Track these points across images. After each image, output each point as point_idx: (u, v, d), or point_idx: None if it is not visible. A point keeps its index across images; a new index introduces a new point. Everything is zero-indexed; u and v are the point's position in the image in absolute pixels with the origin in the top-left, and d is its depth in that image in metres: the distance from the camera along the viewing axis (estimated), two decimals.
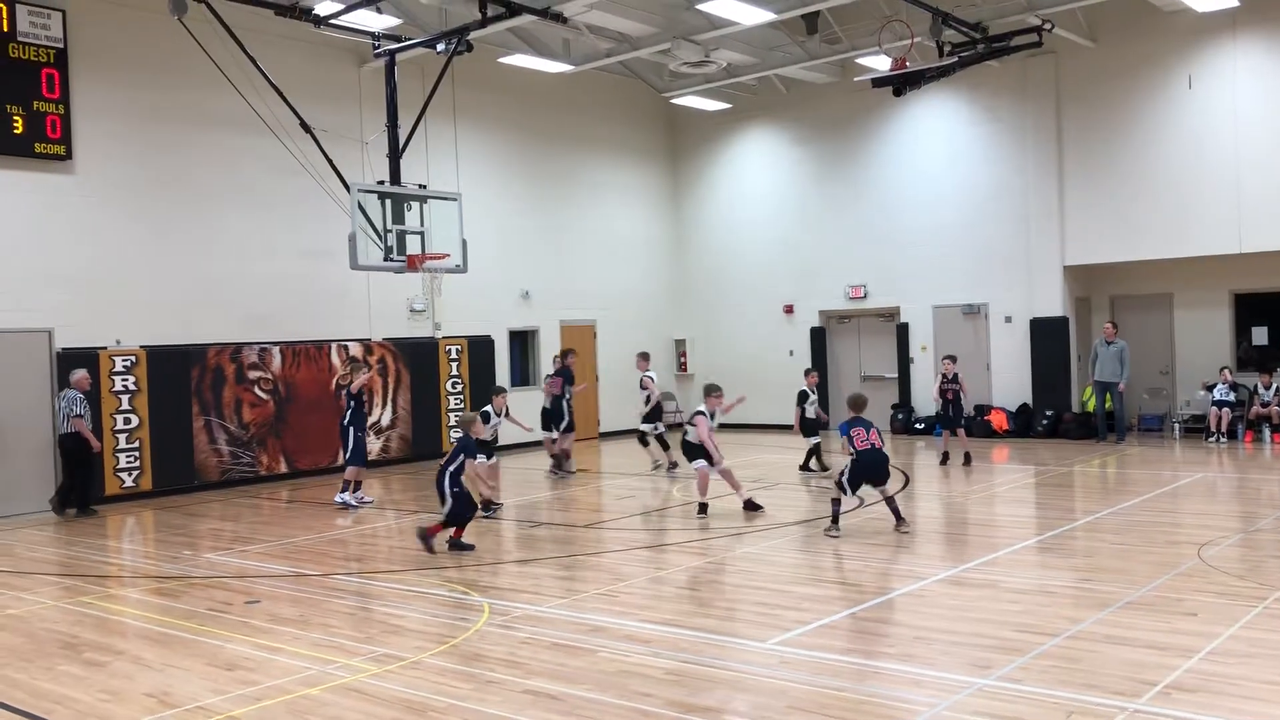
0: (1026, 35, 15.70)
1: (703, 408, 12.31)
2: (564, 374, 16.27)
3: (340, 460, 14.86)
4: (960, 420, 16.20)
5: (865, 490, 10.85)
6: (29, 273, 14.67)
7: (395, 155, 14.89)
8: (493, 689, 6.32)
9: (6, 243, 14.52)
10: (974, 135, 20.44)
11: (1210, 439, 17.71)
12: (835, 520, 10.77)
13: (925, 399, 20.08)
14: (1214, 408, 17.88)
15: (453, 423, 19.23)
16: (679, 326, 24.46)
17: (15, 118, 14.43)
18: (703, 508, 12.08)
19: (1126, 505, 12.07)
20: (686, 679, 6.38)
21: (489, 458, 13.50)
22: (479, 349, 20.06)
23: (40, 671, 7.07)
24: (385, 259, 14.25)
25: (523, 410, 16.14)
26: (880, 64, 17.55)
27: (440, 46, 15.18)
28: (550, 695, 6.14)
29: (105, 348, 15.19)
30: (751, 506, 12.15)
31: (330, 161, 14.63)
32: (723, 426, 12.58)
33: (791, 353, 22.28)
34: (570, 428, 16.27)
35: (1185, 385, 19.26)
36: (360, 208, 14.03)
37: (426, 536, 10.48)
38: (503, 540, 11.55)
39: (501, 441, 17.01)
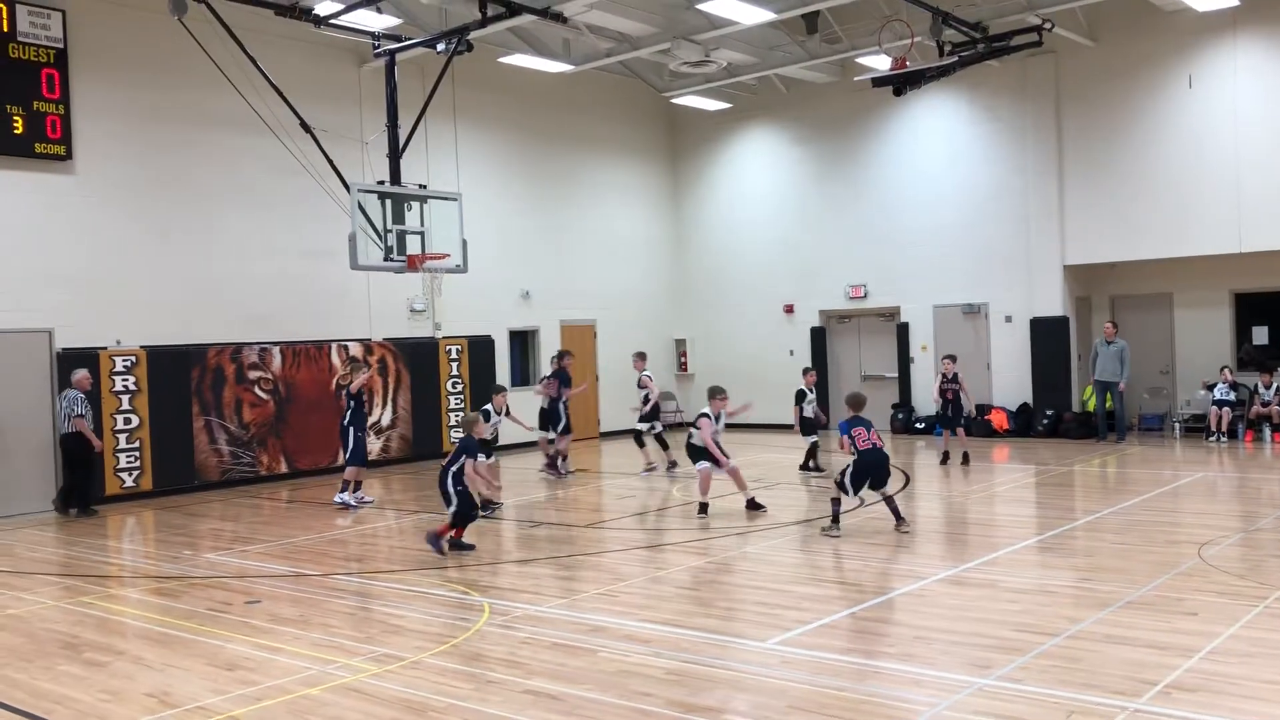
0: (1026, 35, 15.70)
1: (707, 410, 12.28)
2: (560, 376, 16.20)
3: (340, 460, 14.86)
4: (960, 420, 16.19)
5: (865, 491, 10.84)
6: (29, 273, 14.68)
7: (395, 155, 14.88)
8: (493, 689, 6.32)
9: (7, 243, 14.53)
10: (974, 135, 20.44)
11: (1210, 438, 17.71)
12: (835, 520, 10.77)
13: (925, 399, 20.08)
14: (1214, 407, 17.88)
15: (453, 423, 19.23)
16: (679, 326, 24.46)
17: (15, 118, 14.43)
18: (703, 508, 12.08)
19: (1127, 505, 12.06)
20: (687, 679, 6.38)
21: (488, 457, 13.50)
22: (479, 349, 20.06)
23: (40, 671, 7.08)
24: (385, 259, 14.25)
25: (522, 410, 16.17)
26: (880, 63, 17.55)
27: (440, 46, 15.18)
28: (550, 695, 6.14)
29: (105, 348, 15.19)
30: (754, 506, 12.15)
31: (330, 161, 14.62)
32: (724, 426, 12.55)
33: (792, 352, 22.27)
34: (567, 430, 16.18)
35: (1185, 385, 19.26)
36: (360, 208, 14.02)
37: (436, 539, 10.44)
38: (503, 540, 11.55)
39: (501, 441, 17.02)
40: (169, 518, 13.85)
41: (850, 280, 22.03)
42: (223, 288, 16.64)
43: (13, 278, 14.53)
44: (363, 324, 18.45)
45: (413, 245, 14.39)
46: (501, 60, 19.29)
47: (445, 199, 15.34)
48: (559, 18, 15.58)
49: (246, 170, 16.88)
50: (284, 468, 17.03)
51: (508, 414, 14.72)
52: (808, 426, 15.40)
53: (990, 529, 11.40)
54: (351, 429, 13.93)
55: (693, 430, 12.32)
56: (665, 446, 16.26)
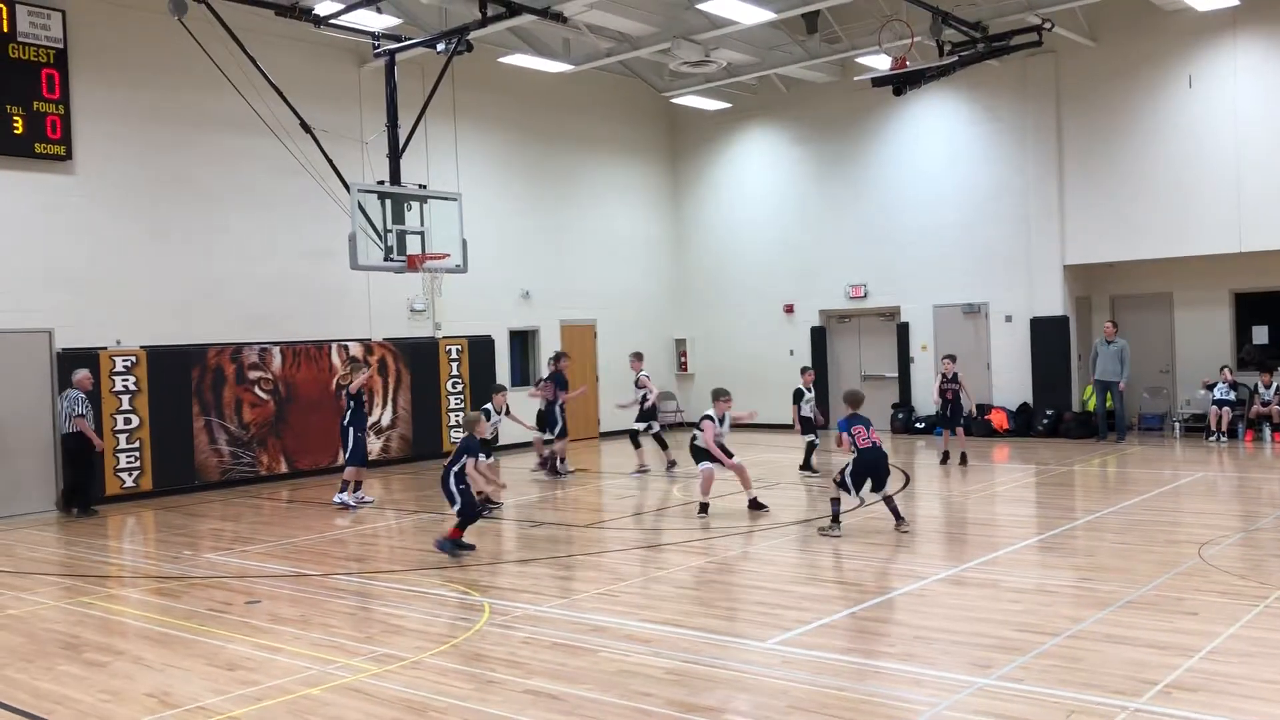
0: (1026, 34, 15.69)
1: (711, 412, 12.28)
2: (556, 379, 16.13)
3: (341, 460, 14.86)
4: (959, 420, 16.19)
5: (865, 491, 10.82)
6: (29, 273, 14.68)
7: (395, 155, 14.88)
8: (493, 689, 6.32)
9: (7, 243, 14.53)
10: (974, 135, 20.44)
11: (1210, 438, 17.71)
12: (836, 519, 10.76)
13: (925, 399, 20.08)
14: (1214, 407, 17.89)
15: (453, 423, 19.24)
16: (679, 326, 24.46)
17: (15, 118, 14.43)
18: (703, 508, 12.08)
19: (1127, 504, 12.06)
20: (687, 679, 6.38)
21: (488, 456, 13.49)
22: (479, 349, 20.06)
23: (41, 672, 7.08)
24: (385, 259, 14.24)
25: (521, 411, 16.19)
26: (880, 63, 17.56)
27: (440, 46, 15.18)
28: (551, 695, 6.14)
29: (105, 348, 15.19)
30: (756, 506, 12.14)
31: (330, 161, 14.62)
32: (729, 428, 12.53)
33: (792, 352, 22.27)
34: (563, 434, 16.07)
35: (1185, 384, 19.26)
36: (360, 208, 14.02)
37: (451, 543, 10.41)
38: (503, 540, 11.55)
39: (501, 441, 17.05)
40: (169, 518, 13.85)
41: (850, 280, 22.03)
42: (223, 288, 16.65)
43: (13, 278, 14.53)
44: (363, 324, 18.45)
45: (413, 245, 14.39)
46: (501, 60, 19.29)
47: (445, 199, 15.34)
48: (559, 18, 15.58)
49: (246, 170, 16.88)
50: (284, 468, 17.03)
51: (508, 413, 14.71)
52: (806, 426, 15.40)
53: (990, 529, 11.39)
54: (351, 429, 13.92)
55: (696, 431, 12.32)
56: (664, 446, 16.26)
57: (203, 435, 16.12)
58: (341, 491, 14.04)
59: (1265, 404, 17.54)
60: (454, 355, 19.61)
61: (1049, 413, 19.41)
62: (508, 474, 16.45)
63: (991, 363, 20.33)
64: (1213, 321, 19.08)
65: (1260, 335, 18.77)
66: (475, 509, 10.60)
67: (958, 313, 20.75)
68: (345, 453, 14.15)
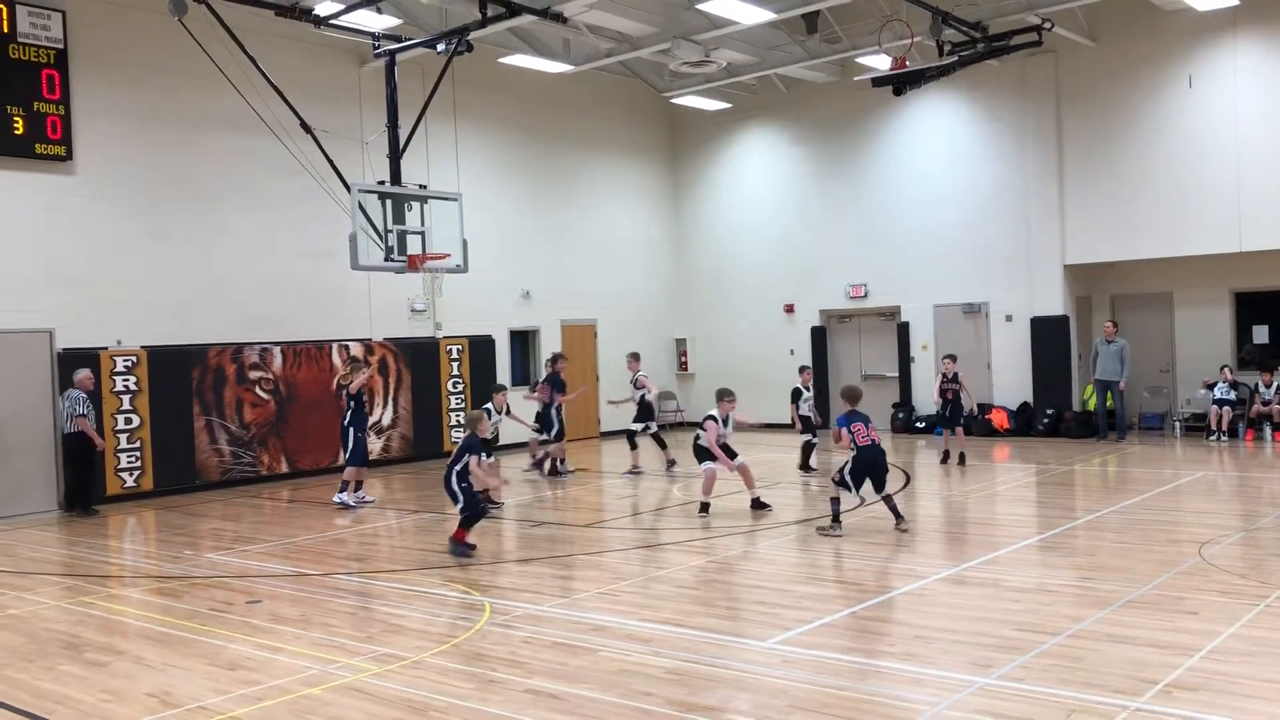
0: (1026, 34, 15.69)
1: (714, 412, 12.27)
2: (553, 381, 16.10)
3: (341, 460, 14.86)
4: (960, 419, 16.18)
5: (865, 490, 10.82)
6: (30, 273, 14.69)
7: (395, 155, 14.89)
8: (494, 688, 6.32)
9: (7, 243, 14.53)
10: (974, 135, 20.44)
11: (1211, 437, 17.72)
12: (836, 519, 10.75)
13: (926, 398, 20.09)
14: (1215, 406, 17.89)
15: (453, 422, 19.24)
16: (679, 326, 24.46)
17: (16, 118, 14.43)
18: (704, 507, 12.08)
19: (1127, 504, 12.07)
20: (688, 678, 6.39)
21: (488, 456, 13.49)
22: (480, 349, 20.07)
23: (42, 671, 7.08)
24: (386, 259, 14.25)
25: (521, 410, 16.19)
26: (880, 63, 17.56)
27: (440, 46, 15.18)
28: (551, 695, 6.14)
29: (106, 348, 15.20)
30: (759, 505, 12.14)
31: (330, 161, 14.62)
32: (733, 429, 12.52)
33: (792, 352, 22.26)
34: (559, 436, 16.03)
35: (1186, 384, 19.26)
36: (361, 208, 14.03)
37: (457, 544, 10.41)
38: (503, 540, 11.55)
39: (502, 440, 17.04)
40: (170, 517, 13.86)
41: (850, 280, 22.03)
42: (223, 288, 16.65)
43: (13, 278, 14.54)
44: (363, 324, 18.45)
45: (413, 245, 14.39)
46: (501, 60, 19.30)
47: (445, 199, 15.35)
48: (559, 18, 15.59)
49: (247, 170, 16.89)
50: (285, 468, 17.03)
51: (508, 413, 14.70)
52: (804, 425, 15.39)
53: (991, 528, 11.40)
54: (352, 429, 13.92)
55: (700, 431, 12.32)
56: (663, 445, 16.25)
57: (203, 435, 16.12)
58: (341, 491, 14.04)
59: (1266, 403, 17.55)
60: (454, 355, 19.62)
61: (1049, 412, 19.42)
62: (509, 474, 16.44)
63: (992, 362, 20.34)
64: (1213, 321, 19.08)
65: (1260, 335, 18.77)
66: (478, 507, 10.61)
67: (958, 312, 20.75)
68: (345, 453, 14.15)
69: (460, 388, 19.61)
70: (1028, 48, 16.06)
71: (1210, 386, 18.22)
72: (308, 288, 17.61)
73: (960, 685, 6.03)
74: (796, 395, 15.35)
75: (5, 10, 14.39)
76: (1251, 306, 18.86)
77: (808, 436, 15.45)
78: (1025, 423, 19.69)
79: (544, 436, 16.09)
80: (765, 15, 17.00)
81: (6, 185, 14.52)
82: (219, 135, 16.53)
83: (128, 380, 15.29)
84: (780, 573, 9.38)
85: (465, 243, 15.05)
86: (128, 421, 15.29)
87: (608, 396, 20.26)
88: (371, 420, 17.43)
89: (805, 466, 15.49)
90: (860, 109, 21.43)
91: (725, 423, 12.26)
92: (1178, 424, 18.82)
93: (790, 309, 22.93)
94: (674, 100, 22.83)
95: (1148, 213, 18.52)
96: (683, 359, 24.41)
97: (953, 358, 16.37)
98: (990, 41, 15.85)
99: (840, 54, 19.64)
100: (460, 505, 10.44)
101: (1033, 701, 5.70)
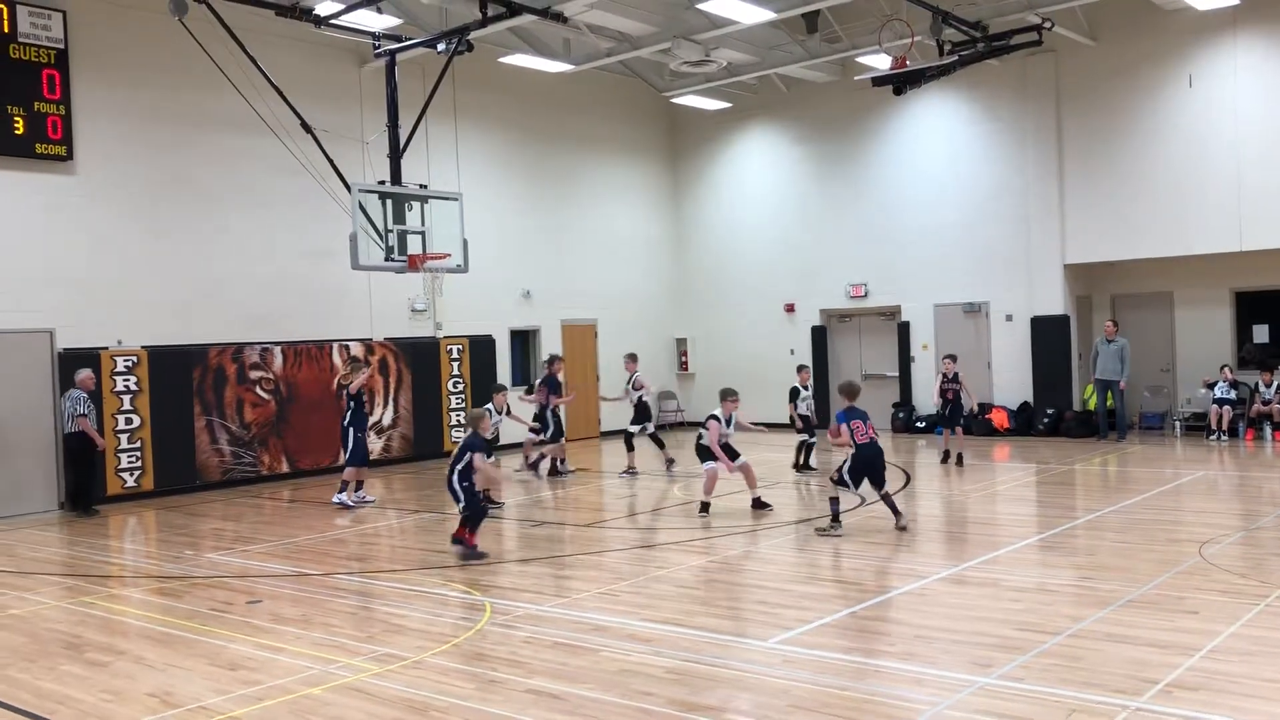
0: (1026, 34, 15.69)
1: (717, 412, 12.26)
2: (549, 382, 16.05)
3: (342, 460, 14.86)
4: (960, 419, 16.18)
5: (865, 488, 10.82)
6: (30, 273, 14.69)
7: (396, 155, 14.89)
8: (495, 688, 6.32)
9: (8, 243, 14.54)
10: (974, 134, 20.44)
11: (1211, 437, 17.72)
12: (836, 518, 10.74)
13: (926, 398, 20.09)
14: (1215, 406, 17.89)
15: (454, 422, 19.24)
16: (680, 326, 24.46)
17: (16, 118, 14.44)
18: (704, 507, 12.08)
19: (1128, 503, 12.07)
20: (688, 678, 6.39)
21: (488, 456, 13.46)
22: (480, 348, 20.07)
23: (43, 671, 7.08)
24: (386, 259, 14.25)
25: (521, 411, 16.18)
26: (880, 63, 17.56)
27: (440, 46, 15.19)
28: (552, 694, 6.14)
29: (106, 348, 15.20)
30: (760, 505, 12.14)
31: (331, 161, 14.63)
32: (735, 429, 12.51)
33: (793, 351, 22.26)
34: (556, 436, 16.01)
35: (1186, 383, 19.26)
36: (361, 208, 14.03)
37: (463, 544, 10.39)
38: (504, 540, 11.55)
39: (502, 440, 17.03)
40: (170, 517, 13.86)
41: (851, 279, 22.03)
42: (223, 288, 16.65)
43: (13, 278, 14.54)
44: (364, 324, 18.46)
45: (413, 245, 14.40)
46: (501, 60, 19.30)
47: (446, 199, 15.35)
48: (559, 17, 15.59)
49: (247, 170, 16.89)
50: (285, 467, 17.04)
51: (508, 413, 14.68)
52: (803, 424, 15.39)
53: (991, 528, 11.40)
54: (352, 429, 13.92)
55: (702, 431, 12.32)
56: (661, 445, 16.24)
57: (204, 435, 16.13)
58: (340, 491, 14.04)
59: (1266, 403, 17.55)
60: (455, 355, 19.62)
61: (1050, 412, 19.42)
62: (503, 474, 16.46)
63: (992, 362, 20.34)
64: (1213, 320, 19.08)
65: (1261, 334, 18.77)
66: (480, 507, 10.61)
67: (958, 312, 20.76)
68: (345, 453, 14.15)
69: (460, 388, 19.61)
70: (1028, 47, 16.06)
71: (1210, 386, 18.22)
72: (308, 288, 17.61)
73: (960, 685, 6.04)
74: (794, 394, 15.36)
75: (6, 10, 14.39)
76: (1251, 306, 18.86)
77: (805, 436, 15.46)
78: (1025, 422, 19.69)
79: (542, 436, 16.09)
80: (765, 15, 17.00)
81: (7, 185, 14.53)
82: (219, 135, 16.53)
83: (128, 380, 15.29)
84: (781, 572, 9.38)
85: (465, 242, 15.06)
86: (128, 421, 15.29)
87: (603, 394, 20.30)
88: (372, 420, 17.44)
89: (802, 466, 15.49)
90: (860, 109, 21.43)
91: (728, 423, 12.25)
92: (1178, 423, 18.83)
93: (790, 309, 22.93)
94: (674, 100, 22.83)
95: (1148, 212, 18.53)
96: (683, 359, 24.41)
97: (953, 357, 16.37)
98: (990, 41, 15.85)
99: (840, 53, 19.64)
100: (461, 505, 10.43)
101: (1033, 701, 5.70)
